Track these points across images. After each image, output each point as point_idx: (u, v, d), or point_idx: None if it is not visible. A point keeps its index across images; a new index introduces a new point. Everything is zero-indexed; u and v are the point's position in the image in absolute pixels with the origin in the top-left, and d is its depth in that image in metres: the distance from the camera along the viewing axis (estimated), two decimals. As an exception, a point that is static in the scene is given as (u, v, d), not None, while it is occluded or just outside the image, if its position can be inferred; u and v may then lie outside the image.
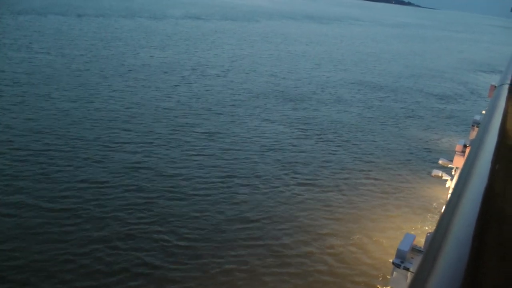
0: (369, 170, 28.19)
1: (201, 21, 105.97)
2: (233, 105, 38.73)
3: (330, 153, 30.19)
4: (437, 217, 20.34)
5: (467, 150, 15.04)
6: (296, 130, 34.10)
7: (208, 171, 25.01)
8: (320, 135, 33.55)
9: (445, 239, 0.97)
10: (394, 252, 9.30)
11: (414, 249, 9.15)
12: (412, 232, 10.27)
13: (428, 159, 31.11)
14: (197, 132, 31.11)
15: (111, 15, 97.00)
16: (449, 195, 17.74)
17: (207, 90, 42.82)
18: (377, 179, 27.04)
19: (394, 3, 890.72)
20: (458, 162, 16.07)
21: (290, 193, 23.59)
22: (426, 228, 20.99)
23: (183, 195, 22.07)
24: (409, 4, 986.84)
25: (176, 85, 43.23)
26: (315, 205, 22.61)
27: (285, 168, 26.62)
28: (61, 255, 16.71)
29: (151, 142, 28.32)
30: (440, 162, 19.65)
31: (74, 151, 25.86)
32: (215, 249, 18.08)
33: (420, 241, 10.01)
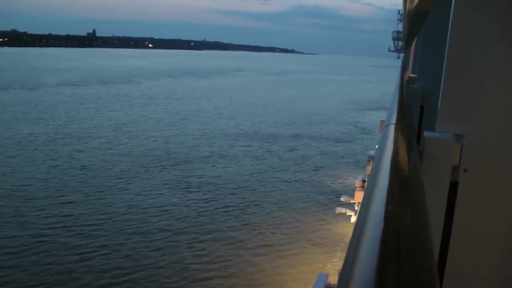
0: (275, 225, 29.10)
1: (78, 87, 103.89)
2: (119, 180, 37.14)
3: (234, 220, 30.00)
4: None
5: (366, 184, 16.51)
6: (190, 200, 33.41)
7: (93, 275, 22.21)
8: (219, 207, 32.49)
9: (351, 273, 1.14)
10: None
11: (329, 288, 9.95)
12: (325, 271, 11.14)
13: (332, 200, 32.88)
14: (78, 222, 28.47)
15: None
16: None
17: (89, 165, 41.08)
18: (284, 231, 28.14)
19: (279, 52, 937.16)
20: (359, 197, 17.55)
21: (197, 274, 22.98)
22: (338, 265, 22.21)
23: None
24: (292, 51, 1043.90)
25: (54, 166, 40.72)
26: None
27: (188, 250, 25.45)
28: None
29: (17, 247, 24.67)
30: (342, 199, 21.14)
31: None
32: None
33: (334, 279, 10.89)
